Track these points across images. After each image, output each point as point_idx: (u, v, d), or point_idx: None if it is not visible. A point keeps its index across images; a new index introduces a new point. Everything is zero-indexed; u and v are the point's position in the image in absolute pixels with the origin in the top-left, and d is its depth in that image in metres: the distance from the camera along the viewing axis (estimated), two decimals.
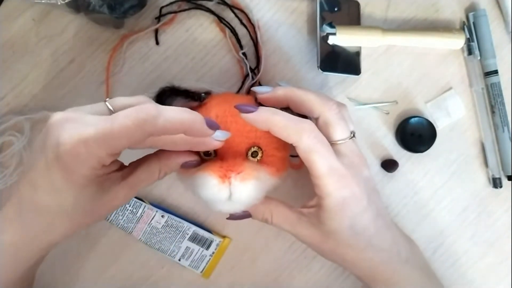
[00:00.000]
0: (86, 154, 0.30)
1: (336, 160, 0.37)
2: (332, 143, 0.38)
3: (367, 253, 0.38)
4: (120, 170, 0.36)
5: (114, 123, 0.30)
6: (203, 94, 0.40)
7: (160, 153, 0.37)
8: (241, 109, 0.36)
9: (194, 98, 0.39)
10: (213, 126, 0.34)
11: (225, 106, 0.39)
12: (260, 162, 0.39)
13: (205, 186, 0.36)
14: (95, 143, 0.30)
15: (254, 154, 0.38)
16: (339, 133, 0.38)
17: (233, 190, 0.36)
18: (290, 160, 0.42)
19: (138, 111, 0.30)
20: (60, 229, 0.35)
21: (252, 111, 0.36)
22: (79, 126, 0.31)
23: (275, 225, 0.41)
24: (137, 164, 0.37)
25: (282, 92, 0.39)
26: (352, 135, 0.39)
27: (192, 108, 0.39)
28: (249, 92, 0.47)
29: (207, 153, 0.38)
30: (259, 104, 0.40)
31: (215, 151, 0.38)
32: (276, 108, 0.38)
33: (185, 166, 0.38)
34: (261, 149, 0.39)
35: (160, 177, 0.37)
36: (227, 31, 0.48)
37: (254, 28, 0.48)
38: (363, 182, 0.38)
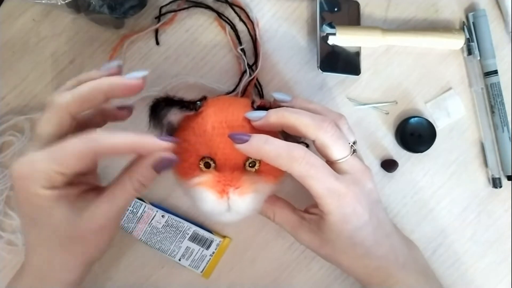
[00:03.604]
0: (31, 173, 0.32)
1: (334, 180, 0.37)
2: (332, 162, 0.39)
3: (364, 261, 0.39)
4: (95, 190, 0.37)
5: (64, 144, 0.32)
6: (198, 103, 0.39)
7: (129, 164, 0.36)
8: (233, 139, 0.37)
9: (189, 107, 0.39)
10: (166, 139, 0.35)
11: (221, 116, 0.39)
12: (257, 171, 0.39)
13: (204, 201, 0.37)
14: (41, 162, 0.32)
15: (252, 164, 0.39)
16: (338, 153, 0.38)
17: (232, 204, 0.37)
18: None
19: (88, 134, 0.33)
20: (60, 263, 0.35)
21: (244, 141, 0.36)
22: (30, 153, 0.33)
23: (276, 224, 0.43)
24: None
25: (274, 119, 0.38)
26: (352, 150, 0.39)
27: (188, 117, 0.39)
28: (245, 91, 0.47)
29: (207, 165, 0.38)
30: (258, 107, 0.40)
31: (215, 163, 0.38)
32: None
33: (158, 168, 0.35)
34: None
35: (137, 188, 0.35)
36: (227, 27, 0.48)
37: (253, 25, 0.48)
38: (365, 197, 0.38)
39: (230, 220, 0.38)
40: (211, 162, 0.38)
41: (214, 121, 0.38)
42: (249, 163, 0.39)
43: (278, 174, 0.40)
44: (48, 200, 0.33)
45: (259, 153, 0.37)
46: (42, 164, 0.32)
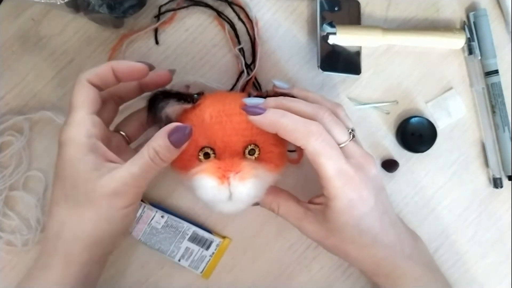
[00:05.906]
0: (76, 129, 0.37)
1: (345, 163, 0.37)
2: None
3: (371, 250, 0.39)
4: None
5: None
6: (195, 95, 0.39)
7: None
8: (248, 111, 0.36)
9: (187, 100, 0.39)
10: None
11: (218, 106, 0.39)
12: (258, 159, 0.39)
13: (205, 188, 0.36)
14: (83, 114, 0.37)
15: (252, 152, 0.38)
16: (337, 137, 0.38)
17: (233, 190, 0.36)
18: (288, 156, 0.42)
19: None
20: (76, 221, 0.36)
21: (259, 113, 0.36)
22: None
23: (281, 216, 0.42)
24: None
25: (272, 105, 0.38)
26: (351, 136, 0.39)
27: (186, 110, 0.39)
28: (244, 89, 0.47)
29: (206, 156, 0.38)
30: (255, 96, 0.40)
31: (214, 152, 0.38)
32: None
33: (172, 136, 0.35)
34: (258, 147, 0.39)
35: (152, 157, 0.35)
36: (226, 26, 0.48)
37: (252, 24, 0.48)
38: (371, 183, 0.38)
39: (232, 210, 0.38)
40: (211, 152, 0.38)
41: (212, 110, 0.38)
42: (249, 151, 0.38)
43: (279, 162, 0.40)
44: (81, 147, 0.35)
45: (275, 126, 0.36)
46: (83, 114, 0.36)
